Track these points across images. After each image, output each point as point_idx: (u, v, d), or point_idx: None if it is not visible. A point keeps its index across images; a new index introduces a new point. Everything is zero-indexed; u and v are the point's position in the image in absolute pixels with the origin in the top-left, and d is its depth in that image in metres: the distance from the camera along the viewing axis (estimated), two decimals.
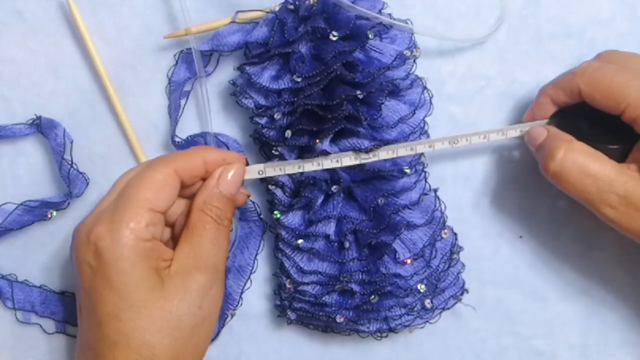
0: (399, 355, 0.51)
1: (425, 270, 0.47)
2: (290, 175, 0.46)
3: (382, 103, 0.44)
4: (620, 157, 0.42)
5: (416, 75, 0.46)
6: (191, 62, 0.47)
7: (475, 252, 0.50)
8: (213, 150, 0.45)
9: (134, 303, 0.39)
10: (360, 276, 0.46)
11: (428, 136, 0.47)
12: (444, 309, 0.49)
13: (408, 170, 0.46)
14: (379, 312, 0.47)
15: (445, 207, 0.48)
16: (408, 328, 0.48)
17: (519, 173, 0.49)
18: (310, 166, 0.45)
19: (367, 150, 0.45)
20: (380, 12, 0.45)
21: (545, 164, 0.42)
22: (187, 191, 0.44)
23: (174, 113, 0.48)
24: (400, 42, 0.46)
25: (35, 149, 0.52)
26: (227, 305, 0.50)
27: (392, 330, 0.48)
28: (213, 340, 0.50)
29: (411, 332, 0.50)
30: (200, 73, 0.47)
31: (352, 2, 0.44)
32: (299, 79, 0.44)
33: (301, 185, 0.46)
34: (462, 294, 0.49)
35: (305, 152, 0.46)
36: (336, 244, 0.46)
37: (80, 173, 0.50)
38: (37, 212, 0.50)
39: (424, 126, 0.47)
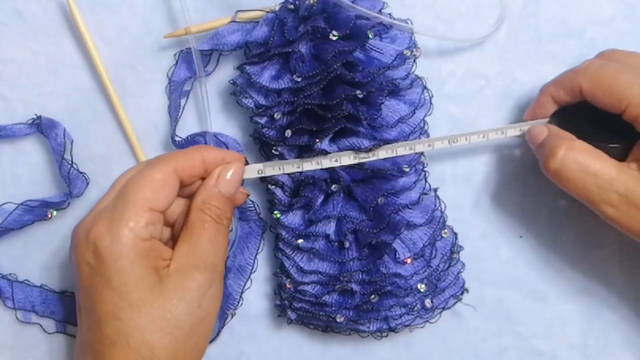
0: (399, 354, 0.51)
1: (426, 270, 0.47)
2: (289, 175, 0.46)
3: (382, 103, 0.44)
4: (621, 156, 0.42)
5: (416, 75, 0.46)
6: (191, 61, 0.47)
7: (475, 252, 0.50)
8: (212, 150, 0.45)
9: (133, 302, 0.39)
10: (361, 276, 0.46)
11: (428, 136, 0.47)
12: (444, 308, 0.49)
13: (407, 169, 0.46)
14: (379, 311, 0.47)
15: (445, 206, 0.48)
16: (408, 328, 0.48)
17: (519, 172, 0.49)
18: (310, 165, 0.45)
19: (367, 150, 0.45)
20: (380, 12, 0.45)
21: (546, 162, 0.42)
22: (187, 190, 0.44)
23: (174, 113, 0.48)
24: (400, 42, 0.46)
25: (36, 148, 0.52)
26: (228, 305, 0.50)
27: (392, 329, 0.48)
28: (213, 340, 0.50)
29: (411, 331, 0.50)
30: (200, 73, 0.47)
31: (352, 2, 0.44)
32: (299, 79, 0.44)
33: (301, 184, 0.46)
34: (462, 293, 0.49)
35: (305, 151, 0.46)
36: (336, 243, 0.46)
37: (81, 173, 0.50)
38: (37, 211, 0.50)
39: (424, 126, 0.47)
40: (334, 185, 0.45)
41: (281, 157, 0.46)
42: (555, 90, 0.44)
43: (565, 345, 0.50)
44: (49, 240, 0.52)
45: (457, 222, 0.49)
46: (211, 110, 0.48)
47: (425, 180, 0.47)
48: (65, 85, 0.51)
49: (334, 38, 0.44)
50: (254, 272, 0.50)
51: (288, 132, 0.45)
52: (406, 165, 0.46)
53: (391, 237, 0.45)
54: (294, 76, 0.44)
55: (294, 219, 0.47)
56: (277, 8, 0.45)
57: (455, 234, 0.48)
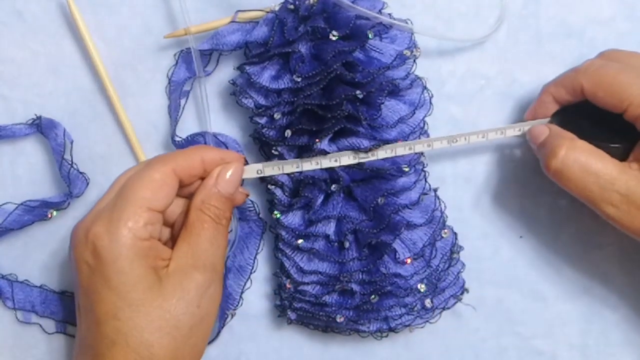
0: (399, 355, 0.51)
1: (425, 270, 0.47)
2: (289, 175, 0.46)
3: (382, 103, 0.44)
4: (622, 156, 0.42)
5: (416, 75, 0.46)
6: (191, 61, 0.47)
7: (475, 252, 0.50)
8: (211, 150, 0.45)
9: (132, 302, 0.39)
10: (361, 276, 0.46)
11: (428, 136, 0.47)
12: (444, 308, 0.49)
13: (407, 169, 0.46)
14: (379, 311, 0.47)
15: (445, 206, 0.48)
16: (408, 328, 0.48)
17: (519, 172, 0.49)
18: (309, 165, 0.45)
19: (366, 150, 0.45)
20: (380, 12, 0.45)
21: (547, 162, 0.42)
22: (186, 190, 0.44)
23: (173, 113, 0.48)
24: (400, 42, 0.46)
25: (36, 149, 0.52)
26: (228, 305, 0.50)
27: (392, 330, 0.48)
28: (213, 340, 0.50)
29: (411, 331, 0.50)
30: (200, 73, 0.47)
31: (352, 2, 0.44)
32: (299, 79, 0.44)
33: (300, 184, 0.46)
34: (462, 293, 0.49)
35: (304, 151, 0.46)
36: (336, 243, 0.46)
37: (81, 173, 0.50)
38: (37, 212, 0.50)
39: (424, 126, 0.47)
40: (333, 186, 0.45)
41: (281, 157, 0.46)
42: (556, 89, 0.44)
43: (565, 345, 0.50)
44: (49, 241, 0.52)
45: (457, 222, 0.49)
46: (211, 111, 0.48)
47: (425, 180, 0.47)
48: (65, 85, 0.51)
49: (334, 38, 0.44)
50: (254, 272, 0.50)
51: (288, 132, 0.45)
52: (406, 165, 0.46)
53: (391, 237, 0.45)
54: (294, 76, 0.44)
55: (293, 219, 0.47)
56: (277, 8, 0.45)
57: (455, 234, 0.48)
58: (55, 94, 0.51)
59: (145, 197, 0.41)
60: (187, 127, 0.50)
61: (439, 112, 0.48)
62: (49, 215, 0.50)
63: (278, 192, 0.47)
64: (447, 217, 0.48)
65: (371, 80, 0.44)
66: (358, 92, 0.44)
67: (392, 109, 0.45)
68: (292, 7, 0.45)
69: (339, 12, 0.44)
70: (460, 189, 0.50)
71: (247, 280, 0.50)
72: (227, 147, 0.48)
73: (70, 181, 0.49)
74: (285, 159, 0.46)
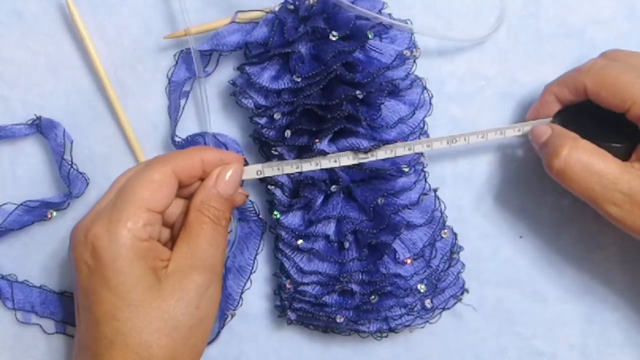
0: (399, 355, 0.51)
1: (425, 270, 0.47)
2: (289, 175, 0.46)
3: (382, 103, 0.44)
4: (624, 156, 0.42)
5: (416, 76, 0.46)
6: (191, 62, 0.47)
7: (476, 252, 0.50)
8: (211, 150, 0.45)
9: (132, 303, 0.39)
10: (360, 276, 0.46)
11: (428, 136, 0.47)
12: (444, 309, 0.49)
13: (407, 170, 0.46)
14: (379, 312, 0.47)
15: (445, 207, 0.48)
16: (408, 328, 0.48)
17: (519, 172, 0.49)
18: (309, 166, 0.45)
19: (366, 151, 0.45)
20: (380, 12, 0.45)
21: (550, 161, 0.42)
22: (186, 191, 0.44)
23: (173, 113, 0.48)
24: (400, 42, 0.46)
25: (35, 149, 0.52)
26: (227, 305, 0.50)
27: (392, 330, 0.48)
28: (213, 340, 0.50)
29: (411, 332, 0.50)
30: (200, 73, 0.47)
31: (352, 2, 0.44)
32: (299, 79, 0.44)
33: (300, 185, 0.46)
34: (462, 293, 0.49)
35: (304, 152, 0.45)
36: (336, 244, 0.46)
37: (80, 173, 0.50)
38: (37, 212, 0.50)
39: (424, 126, 0.47)
40: (333, 186, 0.45)
41: (281, 157, 0.46)
42: (559, 89, 0.44)
43: (565, 345, 0.50)
44: (49, 241, 0.52)
45: (457, 222, 0.49)
46: (211, 111, 0.48)
47: (425, 181, 0.47)
48: (65, 85, 0.51)
49: (334, 38, 0.44)
50: (254, 272, 0.50)
51: (288, 133, 0.45)
52: (405, 166, 0.46)
53: (391, 237, 0.45)
54: (294, 76, 0.44)
55: (293, 219, 0.47)
56: (276, 8, 0.45)
57: (455, 234, 0.48)
58: (55, 94, 0.51)
59: (145, 198, 0.41)
60: (187, 127, 0.50)
61: (439, 112, 0.48)
62: (49, 216, 0.50)
63: (278, 192, 0.47)
64: (447, 217, 0.48)
65: (371, 80, 0.44)
66: (358, 92, 0.44)
67: (392, 109, 0.45)
68: (292, 7, 0.45)
69: (338, 12, 0.44)
70: (460, 189, 0.50)
71: (247, 280, 0.50)
72: (227, 148, 0.48)
73: (70, 181, 0.49)
74: (285, 159, 0.46)
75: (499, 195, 0.49)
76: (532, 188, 0.49)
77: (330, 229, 0.46)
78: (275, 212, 0.47)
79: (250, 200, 0.49)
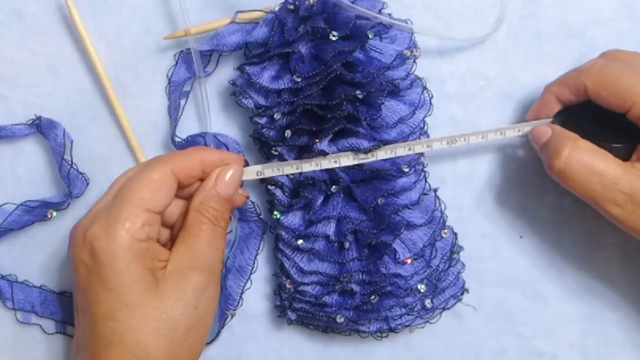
0: (399, 355, 0.51)
1: (426, 270, 0.47)
2: (288, 176, 0.46)
3: (382, 103, 0.44)
4: (625, 156, 0.42)
5: (416, 76, 0.46)
6: (191, 62, 0.47)
7: (476, 252, 0.50)
8: (211, 151, 0.45)
9: (129, 303, 0.39)
10: (361, 276, 0.46)
11: (428, 136, 0.47)
12: (444, 309, 0.49)
13: (407, 169, 0.46)
14: (379, 312, 0.47)
15: (445, 206, 0.48)
16: (408, 328, 0.48)
17: (519, 172, 0.49)
18: (309, 166, 0.45)
19: (366, 151, 0.45)
20: (380, 12, 0.45)
21: (550, 162, 0.42)
22: (185, 192, 0.44)
23: (173, 113, 0.48)
24: (400, 42, 0.46)
25: (35, 149, 0.52)
26: (227, 305, 0.50)
27: (392, 330, 0.48)
28: (213, 340, 0.50)
29: (411, 332, 0.50)
30: (200, 73, 0.47)
31: (352, 2, 0.44)
32: (299, 79, 0.44)
33: (300, 185, 0.46)
34: (462, 293, 0.49)
35: (304, 152, 0.45)
36: (336, 244, 0.46)
37: (80, 173, 0.50)
38: (37, 212, 0.50)
39: (424, 126, 0.47)
40: (333, 187, 0.45)
41: (281, 157, 0.46)
42: (559, 89, 0.44)
43: (565, 345, 0.50)
44: (49, 241, 0.52)
45: (457, 222, 0.49)
46: (211, 111, 0.48)
47: (425, 181, 0.47)
48: (65, 85, 0.51)
49: (334, 38, 0.44)
50: (254, 272, 0.50)
51: (288, 133, 0.45)
52: (406, 166, 0.46)
53: (391, 237, 0.45)
54: (294, 76, 0.44)
55: (293, 219, 0.47)
56: (276, 8, 0.45)
57: (455, 234, 0.48)
58: (55, 94, 0.51)
59: (143, 198, 0.41)
60: (187, 127, 0.50)
61: (439, 112, 0.48)
62: (49, 216, 0.50)
63: (278, 192, 0.47)
64: (447, 217, 0.48)
65: (371, 80, 0.44)
66: (358, 92, 0.44)
67: (392, 109, 0.45)
68: (292, 7, 0.45)
69: (339, 12, 0.44)
70: (460, 189, 0.50)
71: (247, 280, 0.50)
72: (227, 148, 0.48)
73: (70, 181, 0.49)
74: (285, 159, 0.46)
75: (499, 195, 0.49)
76: (533, 188, 0.49)
77: (330, 229, 0.46)
78: (276, 212, 0.47)
79: (250, 201, 0.49)
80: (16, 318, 0.52)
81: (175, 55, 0.48)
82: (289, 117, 0.45)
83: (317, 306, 0.47)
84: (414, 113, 0.46)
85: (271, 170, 0.46)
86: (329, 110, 0.44)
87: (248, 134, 0.49)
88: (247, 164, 0.47)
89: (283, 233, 0.47)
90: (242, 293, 0.50)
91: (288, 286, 0.47)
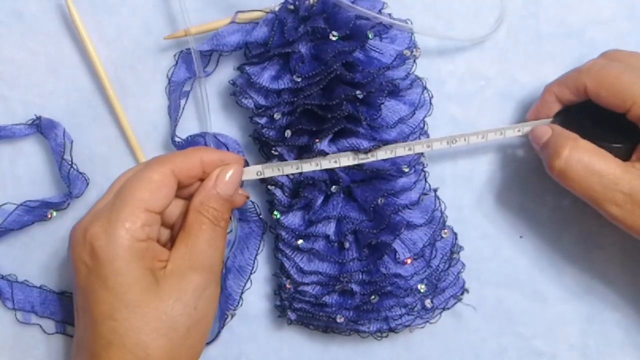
0: (399, 355, 0.51)
1: (426, 270, 0.47)
2: (288, 176, 0.46)
3: (382, 103, 0.44)
4: (625, 156, 0.42)
5: (416, 76, 0.46)
6: (191, 62, 0.47)
7: (476, 252, 0.50)
8: (211, 151, 0.45)
9: (129, 303, 0.39)
10: (361, 276, 0.46)
11: (428, 136, 0.47)
12: (444, 309, 0.49)
13: (407, 170, 0.46)
14: (379, 312, 0.47)
15: (445, 206, 0.48)
16: (408, 328, 0.48)
17: (519, 172, 0.49)
18: (309, 166, 0.45)
19: (366, 151, 0.45)
20: (380, 12, 0.45)
21: (551, 162, 0.42)
22: (186, 192, 0.44)
23: (173, 113, 0.48)
24: (400, 42, 0.46)
25: (35, 149, 0.52)
26: (227, 305, 0.50)
27: (392, 330, 0.48)
28: (213, 340, 0.50)
29: (411, 332, 0.50)
30: (200, 73, 0.47)
31: (352, 2, 0.44)
32: (299, 79, 0.44)
33: (300, 185, 0.46)
34: (462, 293, 0.49)
35: (304, 152, 0.45)
36: (336, 244, 0.46)
37: (80, 173, 0.50)
38: (37, 212, 0.50)
39: (424, 126, 0.47)
40: (333, 187, 0.45)
41: (281, 157, 0.46)
42: (559, 89, 0.44)
43: (565, 345, 0.50)
44: (49, 241, 0.52)
45: (457, 222, 0.49)
46: (211, 111, 0.48)
47: (425, 181, 0.47)
48: (65, 85, 0.51)
49: (334, 38, 0.44)
50: (254, 272, 0.50)
51: (288, 133, 0.45)
52: (405, 166, 0.46)
53: (391, 237, 0.45)
54: (294, 76, 0.44)
55: (293, 219, 0.47)
56: (276, 8, 0.45)
57: (455, 234, 0.48)
58: (55, 94, 0.51)
59: (143, 198, 0.41)
60: (187, 127, 0.50)
61: (439, 112, 0.48)
62: (49, 216, 0.50)
63: (278, 192, 0.47)
64: (447, 217, 0.48)
65: (371, 80, 0.44)
66: (358, 92, 0.44)
67: (392, 109, 0.45)
68: (292, 7, 0.45)
69: (338, 12, 0.44)
70: (461, 189, 0.50)
71: (247, 280, 0.50)
72: (227, 148, 0.48)
73: (70, 181, 0.49)
74: (285, 159, 0.46)
75: (499, 195, 0.49)
76: (533, 188, 0.49)
77: (330, 229, 0.46)
78: (276, 212, 0.47)
79: (250, 201, 0.49)
80: (16, 318, 0.52)
81: (175, 55, 0.48)
82: (289, 117, 0.45)
83: (317, 306, 0.47)
84: (414, 113, 0.46)
85: (271, 170, 0.46)
86: (329, 110, 0.44)
87: (248, 134, 0.49)
88: (247, 164, 0.47)
89: (283, 233, 0.47)
90: (242, 293, 0.50)
91: (288, 286, 0.47)
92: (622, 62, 0.42)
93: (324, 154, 0.45)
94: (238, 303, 0.50)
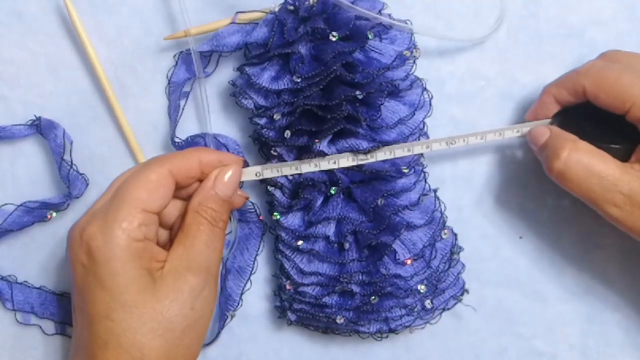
0: (399, 356, 0.51)
1: (425, 271, 0.47)
2: (287, 177, 0.46)
3: (382, 104, 0.44)
4: (623, 157, 0.42)
5: (416, 76, 0.46)
6: (191, 63, 0.47)
7: (475, 253, 0.50)
8: (209, 152, 0.45)
9: (126, 303, 0.39)
10: (360, 277, 0.46)
11: (427, 137, 0.47)
12: (444, 309, 0.49)
13: (406, 170, 0.46)
14: (379, 312, 0.47)
15: (445, 207, 0.48)
16: (408, 329, 0.48)
17: (519, 173, 0.49)
18: (308, 167, 0.45)
19: (365, 152, 0.45)
20: (380, 12, 0.45)
21: (550, 163, 0.42)
22: (184, 192, 0.44)
23: (173, 114, 0.48)
24: (400, 42, 0.46)
25: (35, 149, 0.52)
26: (227, 306, 0.50)
27: (392, 331, 0.48)
28: (213, 341, 0.50)
29: (411, 332, 0.50)
30: (200, 74, 0.47)
31: (352, 3, 0.44)
32: (299, 80, 0.44)
33: (300, 186, 0.46)
34: (462, 294, 0.49)
35: (304, 152, 0.45)
36: (336, 245, 0.46)
37: (80, 174, 0.50)
38: (36, 213, 0.50)
39: (424, 127, 0.47)
40: (333, 188, 0.45)
41: (280, 157, 0.46)
42: (557, 90, 0.44)
43: (565, 345, 0.50)
44: (49, 242, 0.52)
45: (457, 222, 0.49)
46: (211, 112, 0.48)
47: (425, 181, 0.47)
48: (65, 85, 0.51)
49: (334, 39, 0.44)
50: (254, 273, 0.50)
51: (287, 133, 0.45)
52: (405, 167, 0.46)
53: (391, 238, 0.45)
54: (294, 77, 0.44)
55: (293, 220, 0.47)
56: (276, 9, 0.45)
57: (455, 234, 0.48)
58: (55, 94, 0.51)
59: (141, 198, 0.41)
60: (187, 128, 0.50)
61: (439, 112, 0.48)
62: (49, 217, 0.50)
63: (277, 193, 0.47)
64: (447, 217, 0.48)
65: (371, 81, 0.44)
66: (358, 92, 0.43)
67: (391, 110, 0.45)
68: (291, 8, 0.45)
69: (338, 12, 0.44)
70: (460, 190, 0.50)
71: (247, 281, 0.50)
72: (227, 149, 0.48)
73: (69, 182, 0.49)
74: (284, 159, 0.46)
75: (499, 196, 0.49)
76: (532, 188, 0.49)
77: (330, 229, 0.46)
78: (275, 213, 0.47)
79: (250, 202, 0.49)
80: (16, 319, 0.52)
81: (175, 56, 0.48)
82: (288, 118, 0.45)
83: (317, 307, 0.47)
84: (414, 114, 0.46)
85: (270, 171, 0.46)
86: (328, 111, 0.44)
87: (248, 135, 0.49)
88: (246, 165, 0.47)
89: (283, 234, 0.47)
90: (242, 294, 0.50)
91: (288, 287, 0.47)
92: (621, 63, 0.42)
93: (323, 154, 0.45)
94: (238, 304, 0.50)
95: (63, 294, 0.52)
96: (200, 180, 0.44)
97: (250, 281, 0.50)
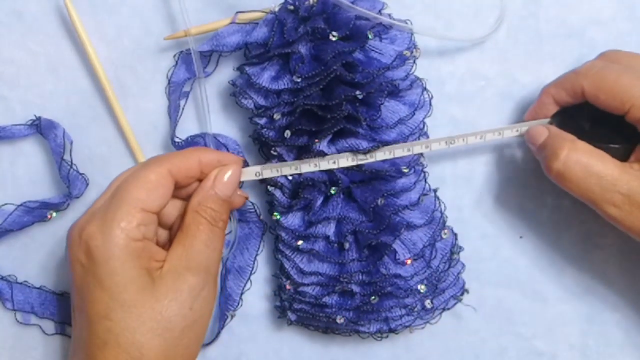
0: (399, 356, 0.51)
1: (426, 271, 0.47)
2: (287, 177, 0.46)
3: (382, 104, 0.44)
4: (622, 157, 0.42)
5: (416, 76, 0.46)
6: (191, 62, 0.47)
7: (476, 253, 0.50)
8: (209, 151, 0.45)
9: (125, 303, 0.39)
10: (360, 277, 0.46)
11: (427, 137, 0.47)
12: (444, 309, 0.49)
13: (406, 170, 0.46)
14: (379, 312, 0.47)
15: (445, 207, 0.48)
16: (408, 329, 0.48)
17: (519, 173, 0.49)
18: (308, 167, 0.45)
19: (365, 152, 0.45)
20: (380, 12, 0.45)
21: (548, 163, 0.42)
22: (184, 192, 0.44)
23: (173, 114, 0.48)
24: (400, 42, 0.46)
25: (35, 149, 0.52)
26: (227, 306, 0.50)
27: (392, 330, 0.48)
28: (213, 341, 0.50)
29: (411, 332, 0.50)
30: (200, 74, 0.47)
31: (352, 2, 0.44)
32: (299, 79, 0.44)
33: (300, 186, 0.46)
34: (462, 294, 0.49)
35: (304, 152, 0.45)
36: (336, 244, 0.46)
37: (80, 174, 0.50)
38: (36, 213, 0.50)
39: (424, 127, 0.47)
40: (333, 188, 0.45)
41: (280, 157, 0.46)
42: (556, 91, 0.44)
43: (565, 345, 0.50)
44: (49, 242, 0.52)
45: (457, 222, 0.49)
46: (211, 112, 0.48)
47: (425, 181, 0.47)
48: (65, 85, 0.51)
49: (334, 39, 0.44)
50: (254, 273, 0.50)
51: (287, 133, 0.45)
52: (405, 167, 0.46)
53: (391, 238, 0.45)
54: (294, 77, 0.44)
55: (293, 220, 0.47)
56: (276, 9, 0.45)
57: (455, 234, 0.48)
58: (54, 95, 0.51)
59: (140, 198, 0.41)
60: (187, 128, 0.50)
61: (439, 112, 0.48)
62: (49, 216, 0.50)
63: (277, 193, 0.47)
64: (447, 217, 0.48)
65: (371, 80, 0.44)
66: (358, 92, 0.44)
67: (391, 109, 0.45)
68: (291, 7, 0.45)
69: (338, 12, 0.44)
70: (460, 190, 0.50)
71: (247, 281, 0.50)
72: (227, 148, 0.48)
73: (69, 182, 0.49)
74: (284, 159, 0.46)
75: (498, 196, 0.49)
76: (532, 188, 0.49)
77: (330, 229, 0.46)
78: (275, 213, 0.47)
79: (250, 202, 0.49)
80: (16, 319, 0.52)
81: (175, 56, 0.48)
82: (288, 118, 0.45)
83: (317, 307, 0.47)
84: (414, 114, 0.46)
85: (270, 171, 0.46)
86: (328, 111, 0.44)
87: (248, 135, 0.49)
88: (246, 165, 0.47)
89: (283, 234, 0.47)
90: (242, 294, 0.50)
91: (288, 287, 0.47)
92: (621, 63, 0.42)
93: (323, 154, 0.45)
94: (238, 304, 0.50)
95: (63, 294, 0.52)
96: (200, 180, 0.44)
97: (250, 281, 0.50)
